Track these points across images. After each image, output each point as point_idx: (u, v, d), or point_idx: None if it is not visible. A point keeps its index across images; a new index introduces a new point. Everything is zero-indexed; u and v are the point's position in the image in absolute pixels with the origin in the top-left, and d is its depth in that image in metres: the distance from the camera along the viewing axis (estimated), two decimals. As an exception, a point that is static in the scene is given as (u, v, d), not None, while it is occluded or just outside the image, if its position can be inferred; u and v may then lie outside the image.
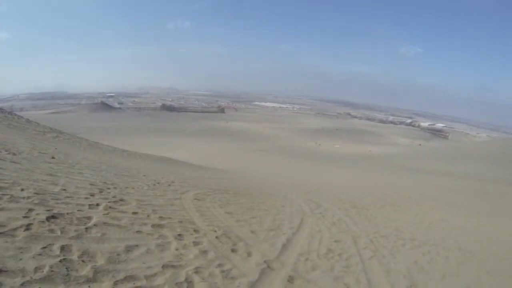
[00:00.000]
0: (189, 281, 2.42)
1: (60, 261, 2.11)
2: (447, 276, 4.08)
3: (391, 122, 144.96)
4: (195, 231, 3.66)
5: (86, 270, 2.11)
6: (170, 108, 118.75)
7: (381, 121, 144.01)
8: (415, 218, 8.04)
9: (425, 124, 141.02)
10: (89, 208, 3.34)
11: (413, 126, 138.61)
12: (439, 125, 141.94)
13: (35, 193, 3.27)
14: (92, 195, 3.92)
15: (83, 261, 2.22)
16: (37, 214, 2.74)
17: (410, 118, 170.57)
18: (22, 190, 3.27)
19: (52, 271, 1.97)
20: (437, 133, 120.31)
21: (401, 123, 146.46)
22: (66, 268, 2.06)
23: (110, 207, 3.58)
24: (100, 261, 2.29)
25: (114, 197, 4.12)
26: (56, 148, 8.08)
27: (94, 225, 2.89)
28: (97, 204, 3.54)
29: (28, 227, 2.44)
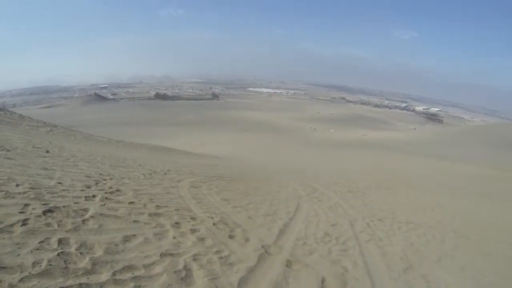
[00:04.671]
0: (187, 269, 2.44)
1: (58, 254, 2.12)
2: (442, 258, 4.14)
3: (386, 107, 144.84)
4: (192, 218, 3.69)
5: (84, 262, 2.12)
6: (164, 97, 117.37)
7: (376, 106, 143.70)
8: (410, 201, 8.14)
9: (419, 108, 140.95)
10: (86, 200, 3.34)
11: (407, 110, 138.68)
12: (434, 109, 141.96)
13: (30, 188, 3.26)
14: (88, 187, 3.91)
15: (81, 253, 2.22)
16: (33, 208, 2.73)
17: (405, 102, 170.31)
18: (17, 185, 3.25)
19: (50, 265, 1.98)
20: (431, 117, 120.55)
21: (396, 107, 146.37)
22: (64, 261, 2.07)
23: (106, 198, 3.59)
24: (98, 253, 2.30)
25: (110, 188, 4.12)
26: (50, 142, 8.00)
27: (91, 216, 2.90)
28: (94, 196, 3.54)
29: (24, 222, 2.43)
